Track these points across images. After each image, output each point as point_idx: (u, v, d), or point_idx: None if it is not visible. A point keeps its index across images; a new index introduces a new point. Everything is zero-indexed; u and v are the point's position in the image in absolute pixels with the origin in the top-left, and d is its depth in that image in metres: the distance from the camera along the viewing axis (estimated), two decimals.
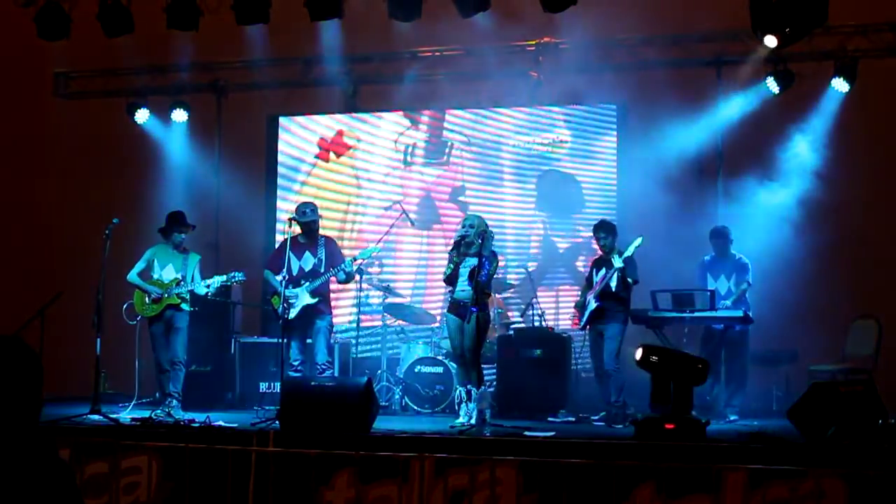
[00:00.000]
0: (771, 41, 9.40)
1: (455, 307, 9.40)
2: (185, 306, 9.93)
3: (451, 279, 9.46)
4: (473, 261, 9.28)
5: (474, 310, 9.20)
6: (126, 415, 9.57)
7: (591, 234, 10.11)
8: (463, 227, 9.47)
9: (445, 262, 9.64)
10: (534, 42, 11.99)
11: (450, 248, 9.68)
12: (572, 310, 10.73)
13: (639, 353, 8.28)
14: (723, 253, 10.36)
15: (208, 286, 9.84)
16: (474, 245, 9.33)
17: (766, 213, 11.41)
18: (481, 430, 8.45)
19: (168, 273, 9.93)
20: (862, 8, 10.74)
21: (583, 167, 12.53)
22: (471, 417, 8.98)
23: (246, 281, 10.16)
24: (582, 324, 10.03)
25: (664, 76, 11.85)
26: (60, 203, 13.07)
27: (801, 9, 8.82)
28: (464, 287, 9.34)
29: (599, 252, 10.09)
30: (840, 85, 11.23)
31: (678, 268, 10.61)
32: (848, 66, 11.15)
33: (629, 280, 9.65)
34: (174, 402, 9.73)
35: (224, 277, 9.89)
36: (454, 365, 10.52)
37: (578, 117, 12.63)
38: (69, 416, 9.06)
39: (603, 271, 9.85)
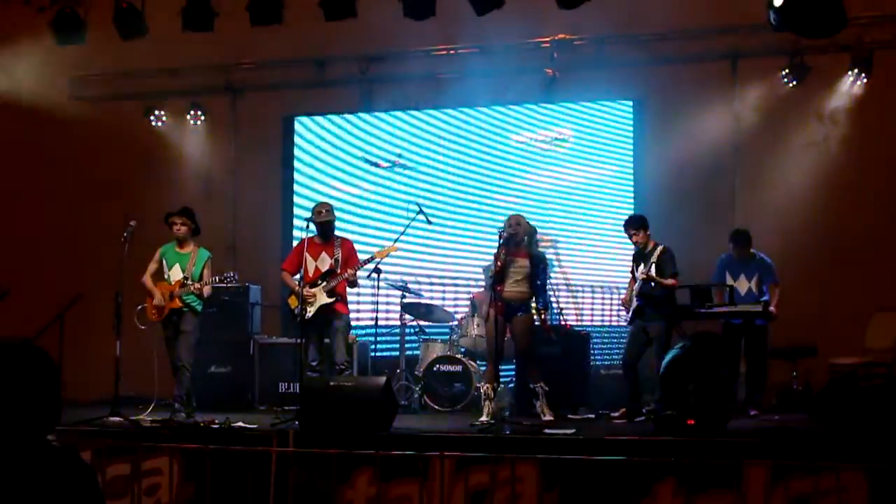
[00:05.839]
0: None
1: (501, 306, 9.18)
2: (194, 305, 9.78)
3: (499, 277, 9.23)
4: (524, 261, 9.28)
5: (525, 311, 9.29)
6: (146, 416, 9.60)
7: (623, 230, 10.09)
8: (510, 225, 9.30)
9: (469, 259, 9.53)
10: (549, 39, 11.97)
11: (496, 246, 9.28)
12: (619, 306, 10.88)
13: None
14: (742, 255, 10.31)
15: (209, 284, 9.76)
16: (522, 244, 9.30)
17: (784, 207, 11.37)
18: (501, 428, 8.45)
19: (175, 273, 9.81)
20: None
21: (599, 164, 12.50)
22: (492, 415, 8.97)
23: (238, 278, 10.12)
24: (628, 320, 10.02)
25: (680, 71, 11.83)
26: (78, 206, 13.10)
27: (818, 12, 8.66)
28: (511, 288, 9.28)
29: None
30: (856, 77, 11.17)
31: (696, 263, 10.57)
32: (864, 58, 11.08)
33: (668, 272, 9.63)
34: (176, 405, 9.66)
35: (217, 278, 9.78)
36: (472, 363, 10.52)
37: (594, 114, 12.60)
38: (89, 419, 9.09)
39: (641, 266, 9.84)
